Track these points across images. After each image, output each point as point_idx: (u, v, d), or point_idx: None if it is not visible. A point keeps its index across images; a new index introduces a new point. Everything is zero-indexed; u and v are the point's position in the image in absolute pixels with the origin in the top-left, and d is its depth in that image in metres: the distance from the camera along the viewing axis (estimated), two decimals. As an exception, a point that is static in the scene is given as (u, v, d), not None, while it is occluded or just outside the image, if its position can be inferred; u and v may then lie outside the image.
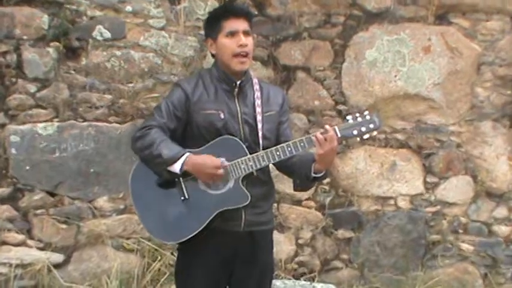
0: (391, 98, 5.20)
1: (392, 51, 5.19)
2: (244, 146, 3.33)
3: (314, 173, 3.33)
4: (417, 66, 5.21)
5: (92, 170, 4.71)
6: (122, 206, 4.79)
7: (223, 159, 3.28)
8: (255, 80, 3.53)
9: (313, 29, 5.12)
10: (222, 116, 3.36)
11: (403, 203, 5.28)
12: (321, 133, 3.28)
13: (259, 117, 3.43)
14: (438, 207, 5.31)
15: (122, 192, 4.75)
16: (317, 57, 5.13)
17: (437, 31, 5.25)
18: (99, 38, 4.71)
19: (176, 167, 3.26)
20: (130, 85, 4.77)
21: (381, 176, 5.23)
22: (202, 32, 4.71)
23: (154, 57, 4.81)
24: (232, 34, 3.36)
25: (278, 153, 3.32)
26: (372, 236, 5.22)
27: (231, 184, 3.30)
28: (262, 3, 5.01)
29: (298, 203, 5.10)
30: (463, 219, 5.35)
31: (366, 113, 3.30)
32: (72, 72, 4.68)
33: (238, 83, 3.41)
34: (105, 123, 4.73)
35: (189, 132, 3.41)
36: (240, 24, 3.38)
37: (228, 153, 3.32)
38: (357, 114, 3.30)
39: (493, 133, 5.35)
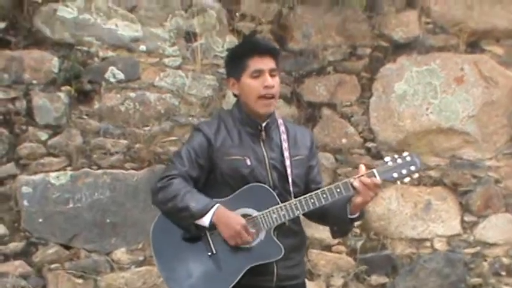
0: (423, 132, 4.93)
1: (423, 83, 4.93)
2: (275, 194, 3.11)
3: (350, 214, 3.11)
4: (450, 98, 4.94)
5: (108, 220, 4.48)
6: (141, 258, 4.53)
7: (256, 213, 3.06)
8: (280, 121, 3.30)
9: (338, 62, 4.89)
10: (248, 162, 3.14)
11: (440, 245, 4.99)
12: (359, 177, 3.04)
13: (287, 162, 3.19)
14: (478, 248, 5.02)
15: (141, 242, 4.49)
16: (343, 92, 4.88)
17: (469, 60, 5.00)
18: (112, 79, 4.50)
19: (205, 221, 3.04)
20: (147, 129, 4.54)
21: (415, 216, 4.94)
22: (220, 70, 4.52)
23: (171, 98, 4.59)
24: (258, 74, 3.14)
25: (312, 201, 3.09)
26: (408, 281, 4.92)
27: (262, 236, 3.07)
28: (284, 37, 4.77)
29: (328, 248, 4.81)
30: (505, 260, 5.05)
31: (406, 154, 3.12)
32: (85, 117, 4.48)
33: (263, 125, 3.18)
34: (121, 170, 4.50)
35: (212, 180, 3.17)
36: (266, 63, 3.16)
37: (258, 202, 3.09)
38: (396, 156, 3.11)
39: (535, 168, 5.05)
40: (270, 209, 3.05)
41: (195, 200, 3.04)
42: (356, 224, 3.28)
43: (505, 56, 5.08)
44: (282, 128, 3.26)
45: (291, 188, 3.16)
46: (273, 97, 3.16)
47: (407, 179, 3.10)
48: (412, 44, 4.95)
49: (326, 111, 4.86)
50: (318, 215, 3.23)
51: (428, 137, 4.94)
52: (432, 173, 4.96)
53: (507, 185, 5.04)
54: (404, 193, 4.93)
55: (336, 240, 4.76)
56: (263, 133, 3.18)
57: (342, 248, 4.83)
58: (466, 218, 5.01)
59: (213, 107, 4.59)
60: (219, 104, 4.60)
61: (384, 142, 4.88)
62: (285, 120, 3.37)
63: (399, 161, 3.08)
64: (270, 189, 3.11)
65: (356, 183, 3.05)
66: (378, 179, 3.06)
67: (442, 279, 4.94)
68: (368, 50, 4.92)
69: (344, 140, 4.86)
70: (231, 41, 4.61)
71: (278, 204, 3.07)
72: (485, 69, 5.00)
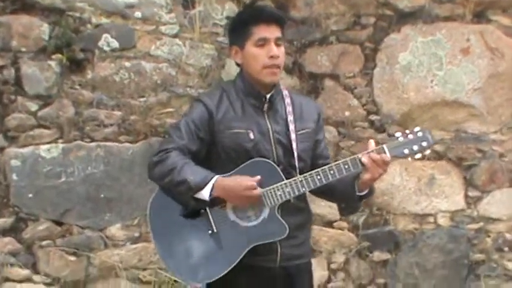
0: (428, 105, 4.77)
1: (428, 54, 4.75)
2: (279, 170, 2.95)
3: (359, 191, 2.98)
4: (455, 70, 4.77)
5: (102, 195, 4.34)
6: (136, 234, 4.39)
7: (258, 176, 2.89)
8: (285, 92, 3.13)
9: (341, 31, 4.70)
10: (251, 135, 2.98)
11: (443, 220, 4.85)
12: (368, 153, 2.89)
13: (293, 136, 3.04)
14: (481, 223, 4.89)
15: (137, 218, 4.36)
16: (346, 63, 4.70)
17: (475, 30, 4.82)
18: (106, 48, 4.33)
19: (204, 193, 2.88)
20: (142, 100, 4.37)
21: (418, 191, 4.80)
22: (219, 38, 4.36)
23: (167, 67, 4.41)
24: (263, 42, 2.96)
25: (319, 177, 2.93)
26: (410, 257, 4.79)
27: (265, 214, 2.91)
28: (285, 5, 4.57)
29: (330, 224, 4.67)
30: (508, 236, 4.91)
31: (417, 129, 2.95)
32: (77, 87, 4.31)
33: (268, 96, 3.02)
34: (115, 143, 4.35)
35: (213, 155, 3.01)
36: (272, 32, 2.98)
37: (262, 175, 2.91)
38: (407, 131, 2.95)
39: (541, 141, 4.92)
40: (275, 185, 2.91)
41: (193, 172, 2.89)
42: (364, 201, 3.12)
43: (511, 26, 4.90)
44: (288, 100, 3.10)
45: (297, 163, 3.02)
46: (278, 67, 3.01)
47: (418, 155, 2.95)
48: (417, 13, 4.77)
49: (328, 83, 4.69)
50: (325, 192, 3.08)
51: (432, 110, 4.78)
52: (437, 147, 4.78)
53: (511, 159, 4.89)
54: (408, 167, 4.78)
55: (338, 216, 4.65)
56: (267, 105, 3.03)
57: (344, 224, 4.69)
58: (470, 193, 4.88)
59: (211, 77, 4.42)
60: (217, 74, 4.43)
61: (388, 115, 4.73)
62: (291, 91, 3.20)
63: (410, 136, 2.93)
64: (274, 165, 2.96)
65: (365, 159, 2.90)
66: (387, 155, 2.92)
67: (445, 255, 4.82)
68: (372, 19, 4.74)
69: (347, 113, 4.70)
70: (231, 8, 4.44)
71: (283, 180, 2.92)
72: (491, 40, 4.83)
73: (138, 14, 4.38)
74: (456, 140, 4.84)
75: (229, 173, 2.94)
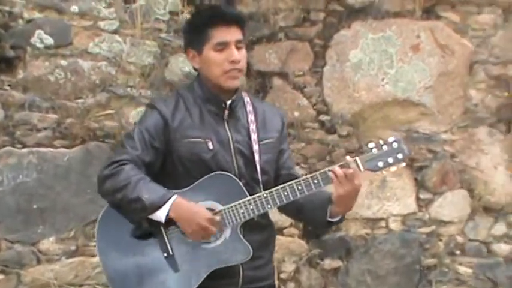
0: (379, 104, 4.59)
1: (379, 51, 4.58)
2: (242, 185, 2.73)
3: (330, 216, 2.80)
4: (406, 68, 4.61)
5: (34, 206, 3.98)
6: (72, 248, 4.06)
7: (218, 218, 2.68)
8: (247, 99, 2.91)
9: (290, 28, 4.46)
10: (210, 145, 2.77)
11: (395, 225, 4.71)
12: (340, 166, 2.70)
13: (255, 147, 2.83)
14: (433, 227, 4.77)
15: (73, 230, 4.03)
16: (295, 61, 4.47)
17: (425, 27, 4.67)
18: (39, 45, 3.97)
19: (160, 214, 2.65)
20: (79, 101, 4.04)
21: (370, 194, 4.63)
22: (162, 35, 4.10)
23: (106, 66, 4.07)
24: (222, 46, 2.75)
25: (286, 193, 2.72)
26: (362, 264, 4.63)
27: (227, 234, 2.70)
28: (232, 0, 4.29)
29: (279, 231, 4.40)
30: (460, 239, 4.82)
31: (392, 139, 2.78)
32: (7, 88, 3.95)
33: (228, 103, 2.80)
34: (49, 149, 4.00)
35: (168, 165, 2.77)
36: (232, 34, 2.77)
37: (222, 194, 2.71)
38: (381, 142, 2.77)
39: (489, 140, 4.83)
40: (237, 202, 2.69)
41: (149, 190, 2.64)
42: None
43: (460, 23, 4.78)
44: (249, 107, 2.89)
45: (260, 177, 2.81)
46: (239, 71, 2.80)
47: (393, 168, 2.78)
48: (367, 9, 4.58)
49: (277, 81, 4.46)
50: (292, 210, 2.93)
51: (384, 109, 4.61)
52: (388, 148, 4.62)
53: (462, 160, 4.80)
54: (359, 170, 4.58)
55: (288, 223, 4.41)
56: (227, 112, 2.81)
57: (295, 230, 4.46)
58: (421, 195, 4.75)
59: (154, 77, 4.12)
60: (161, 73, 4.13)
61: (338, 115, 4.53)
62: (253, 98, 2.99)
63: (385, 147, 2.76)
64: (237, 179, 2.74)
65: (337, 171, 2.71)
66: (360, 169, 2.71)
67: (397, 261, 4.68)
68: (321, 15, 4.52)
69: (296, 113, 4.48)
70: (174, 2, 4.14)
71: (246, 196, 2.70)
72: (441, 37, 4.69)
73: (74, 8, 4.03)
74: (408, 141, 4.65)
75: (186, 188, 2.71)
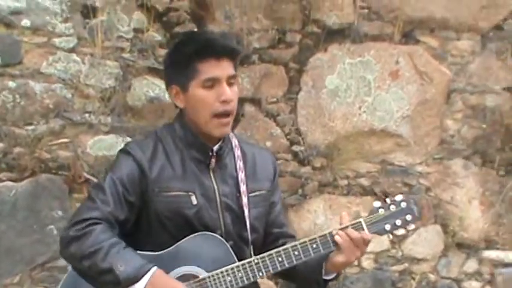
0: (355, 135, 4.30)
1: (356, 78, 4.29)
2: (230, 249, 2.40)
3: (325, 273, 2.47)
4: (384, 96, 4.34)
5: (-26, 247, 3.57)
6: (18, 294, 3.63)
7: (205, 274, 2.36)
8: (235, 141, 2.54)
9: (264, 49, 4.13)
10: (193, 200, 2.40)
11: (367, 263, 4.44)
12: (343, 229, 2.41)
13: (244, 200, 2.48)
14: (406, 264, 4.52)
15: (18, 275, 3.62)
16: (269, 86, 4.14)
17: (404, 52, 4.41)
18: (-16, 64, 3.55)
19: None
20: (30, 128, 3.63)
21: (343, 231, 4.30)
22: (125, 55, 3.66)
23: (62, 89, 3.67)
24: (212, 83, 2.39)
25: (280, 259, 2.41)
26: (333, 304, 4.30)
27: None
28: (203, 17, 3.91)
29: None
30: (432, 277, 4.59)
31: (399, 198, 2.50)
32: None
33: (215, 149, 2.44)
34: (-6, 182, 3.58)
35: (143, 222, 2.40)
36: (224, 68, 2.41)
37: (207, 258, 2.39)
38: (388, 201, 2.49)
39: (465, 173, 4.62)
40: (224, 269, 2.36)
41: (123, 259, 2.27)
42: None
43: (439, 48, 4.54)
44: (238, 152, 2.54)
45: (250, 237, 2.47)
46: (230, 115, 2.43)
47: (401, 231, 2.53)
48: (345, 31, 4.28)
49: (249, 108, 4.12)
50: (282, 273, 2.53)
51: (359, 140, 4.31)
52: (363, 180, 4.36)
53: (437, 194, 4.57)
54: (332, 205, 4.32)
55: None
56: (214, 160, 2.44)
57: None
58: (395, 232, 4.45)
59: (115, 101, 3.74)
60: (122, 98, 3.74)
61: (313, 145, 4.23)
62: (241, 139, 2.62)
63: (392, 208, 2.49)
64: (223, 241, 2.40)
65: (339, 238, 2.41)
66: (367, 233, 2.40)
67: (370, 301, 4.43)
68: (298, 37, 4.18)
69: (268, 143, 4.15)
70: (140, 19, 3.77)
71: (234, 261, 2.37)
72: (420, 63, 4.44)
73: (26, 22, 3.62)
74: (382, 173, 4.40)
75: (165, 251, 2.36)
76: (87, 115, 3.67)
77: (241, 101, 3.99)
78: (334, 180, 4.22)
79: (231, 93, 2.41)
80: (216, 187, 2.45)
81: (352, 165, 4.31)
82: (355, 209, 4.33)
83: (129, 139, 3.67)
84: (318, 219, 4.28)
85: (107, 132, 3.66)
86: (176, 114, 2.57)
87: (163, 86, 3.67)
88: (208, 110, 2.40)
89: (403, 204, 2.49)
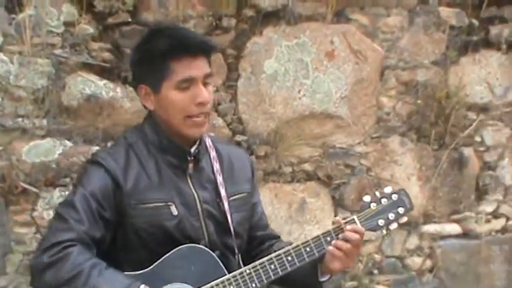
0: (295, 119, 4.15)
1: (294, 61, 4.12)
2: (217, 259, 2.23)
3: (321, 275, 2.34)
4: (322, 77, 4.21)
5: None
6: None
7: None
8: (209, 141, 2.37)
9: (201, 36, 3.85)
10: (174, 210, 2.22)
11: (316, 249, 4.29)
12: (335, 229, 2.32)
13: (225, 205, 2.30)
14: (352, 247, 4.40)
15: None
16: (208, 75, 3.87)
17: (338, 31, 4.29)
18: None
19: None
20: None
21: (289, 219, 4.21)
22: (57, 51, 3.31)
23: None
24: (187, 84, 2.19)
25: (273, 267, 2.26)
26: (282, 292, 4.18)
27: None
28: (136, 5, 3.61)
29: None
30: (377, 257, 4.56)
31: (389, 190, 2.43)
32: None
33: (192, 151, 2.25)
34: None
35: (119, 238, 2.21)
36: (199, 67, 2.22)
37: (194, 272, 2.20)
38: (378, 194, 2.40)
39: (402, 150, 4.58)
40: (214, 283, 2.19)
41: (107, 280, 2.06)
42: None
43: (370, 26, 4.46)
44: (213, 153, 2.35)
45: (235, 244, 2.31)
46: (207, 115, 2.25)
47: (394, 226, 2.45)
48: (280, 13, 4.10)
49: (189, 101, 3.84)
50: (275, 281, 2.37)
51: (299, 124, 4.17)
52: (306, 166, 4.24)
53: (377, 173, 4.50)
54: (278, 193, 4.17)
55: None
56: (191, 164, 2.22)
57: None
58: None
59: (50, 102, 3.38)
60: (57, 98, 3.39)
61: (255, 134, 4.05)
62: (214, 139, 2.44)
63: (384, 201, 2.40)
64: (210, 252, 2.23)
65: (337, 245, 2.26)
66: (358, 234, 2.28)
67: (318, 287, 4.28)
68: (234, 21, 3.97)
69: (211, 135, 3.89)
70: (69, 11, 3.40)
71: (223, 273, 2.21)
72: (354, 41, 4.34)
73: None
74: (325, 157, 4.29)
75: (148, 269, 2.16)
76: (19, 119, 3.30)
77: (181, 92, 3.80)
78: (279, 168, 4.08)
79: (207, 94, 2.22)
80: (195, 194, 2.26)
81: (296, 151, 4.17)
82: (301, 196, 4.22)
83: (68, 142, 3.37)
84: (266, 209, 4.02)
85: (43, 137, 3.33)
86: (145, 115, 2.34)
87: (99, 83, 3.43)
88: (183, 113, 2.21)
89: (394, 197, 2.41)
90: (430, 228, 4.72)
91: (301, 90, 4.14)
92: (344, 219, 2.37)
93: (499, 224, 4.96)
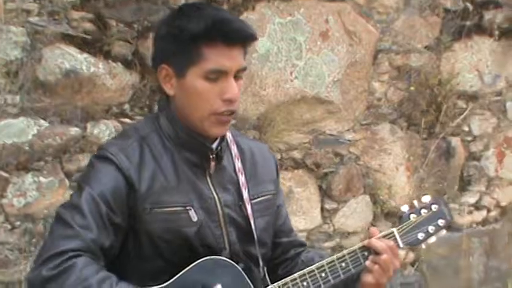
0: (286, 103, 3.86)
1: (286, 40, 3.82)
2: (244, 274, 1.94)
3: None
4: (315, 59, 3.93)
5: None
6: None
7: None
8: (229, 135, 2.06)
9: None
10: (193, 215, 1.92)
11: (301, 242, 4.03)
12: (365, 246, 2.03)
13: (248, 208, 2.02)
14: (337, 239, 4.21)
15: None
16: (196, 53, 3.54)
17: (333, 10, 4.01)
18: None
19: None
20: None
21: (276, 209, 3.89)
22: (33, 18, 2.94)
23: None
24: (217, 75, 1.89)
25: (306, 284, 1.99)
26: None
27: None
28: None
29: None
30: (362, 250, 4.29)
31: (428, 199, 2.18)
32: None
33: (214, 148, 1.97)
34: None
35: (130, 247, 1.91)
36: (234, 59, 1.92)
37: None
38: (416, 204, 2.17)
39: (392, 139, 4.37)
40: None
41: None
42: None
43: (365, 5, 4.19)
44: (234, 149, 2.06)
45: (258, 252, 2.02)
46: (232, 114, 1.95)
47: (432, 240, 2.20)
48: (273, -15, 3.80)
49: (176, 79, 3.51)
50: None
51: (289, 109, 3.89)
52: (295, 153, 3.97)
53: (365, 162, 4.27)
54: (265, 182, 3.85)
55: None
56: (213, 163, 1.93)
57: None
58: (326, 206, 4.15)
59: (23, 77, 3.00)
60: (32, 72, 3.01)
61: (245, 118, 3.75)
62: (234, 132, 2.14)
63: (424, 212, 2.17)
64: (236, 266, 1.94)
65: (375, 262, 2.02)
66: (400, 245, 2.09)
67: (302, 282, 4.04)
68: (226, -6, 3.64)
69: (230, 125, 3.61)
70: (53, -26, 3.00)
71: None
72: (349, 21, 4.07)
73: None
74: (314, 144, 4.02)
75: (165, 284, 1.86)
76: (-8, 97, 2.93)
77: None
78: (270, 156, 3.79)
79: (237, 90, 1.91)
80: (216, 196, 1.97)
81: (285, 137, 3.90)
82: (288, 185, 3.95)
83: (43, 122, 3.00)
84: (251, 199, 3.84)
85: (16, 115, 2.95)
86: (160, 102, 2.02)
87: (79, 56, 3.07)
88: (207, 108, 1.90)
89: (434, 208, 2.18)
90: (414, 219, 4.49)
91: (293, 72, 3.85)
92: (381, 231, 2.10)
93: (480, 215, 4.80)
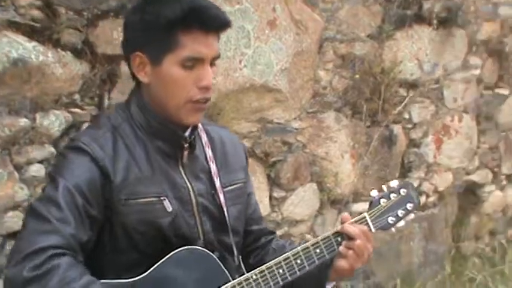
0: (235, 92, 3.84)
1: (235, 28, 3.79)
2: (220, 263, 1.94)
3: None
4: (264, 48, 3.92)
5: None
6: None
7: None
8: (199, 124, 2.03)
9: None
10: (167, 205, 1.90)
11: (250, 230, 4.03)
12: (340, 231, 2.05)
13: (221, 197, 2.02)
14: (285, 228, 4.23)
15: None
16: (146, 41, 3.48)
17: (280, -2, 3.99)
18: None
19: None
20: None
21: (227, 200, 3.89)
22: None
23: None
24: (193, 63, 1.88)
25: (282, 271, 1.99)
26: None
27: None
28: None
29: None
30: (309, 237, 4.34)
31: (396, 183, 2.23)
32: None
33: (187, 136, 1.97)
34: None
35: (105, 240, 1.88)
36: (210, 46, 1.92)
37: (196, 280, 1.89)
38: (385, 188, 2.20)
39: (337, 127, 4.41)
40: None
41: None
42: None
43: (311, -6, 4.21)
44: (204, 137, 2.06)
45: (233, 243, 2.03)
46: (206, 102, 1.95)
47: (402, 223, 2.24)
48: (218, -25, 3.74)
49: (126, 68, 3.40)
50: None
51: (238, 97, 3.88)
52: (245, 142, 3.94)
53: (312, 150, 4.30)
54: (216, 172, 3.83)
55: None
56: (186, 152, 1.93)
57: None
58: (275, 194, 4.16)
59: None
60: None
61: (195, 107, 3.67)
62: (204, 121, 2.15)
63: (393, 196, 2.20)
64: (211, 254, 1.94)
65: (348, 247, 2.03)
66: (371, 229, 2.11)
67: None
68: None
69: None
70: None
71: (227, 279, 1.93)
72: (295, 10, 4.09)
73: None
74: (263, 133, 4.03)
75: (141, 276, 1.83)
76: None
77: (117, 59, 3.37)
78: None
79: (211, 77, 1.90)
80: (189, 186, 1.94)
81: (234, 125, 3.87)
82: (238, 175, 3.93)
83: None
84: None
85: (-40, 106, 2.86)
86: (132, 90, 1.98)
87: (28, 45, 2.97)
88: (183, 95, 1.88)
89: (403, 192, 2.22)
90: (359, 207, 4.58)
91: (242, 60, 3.82)
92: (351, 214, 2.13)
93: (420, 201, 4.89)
